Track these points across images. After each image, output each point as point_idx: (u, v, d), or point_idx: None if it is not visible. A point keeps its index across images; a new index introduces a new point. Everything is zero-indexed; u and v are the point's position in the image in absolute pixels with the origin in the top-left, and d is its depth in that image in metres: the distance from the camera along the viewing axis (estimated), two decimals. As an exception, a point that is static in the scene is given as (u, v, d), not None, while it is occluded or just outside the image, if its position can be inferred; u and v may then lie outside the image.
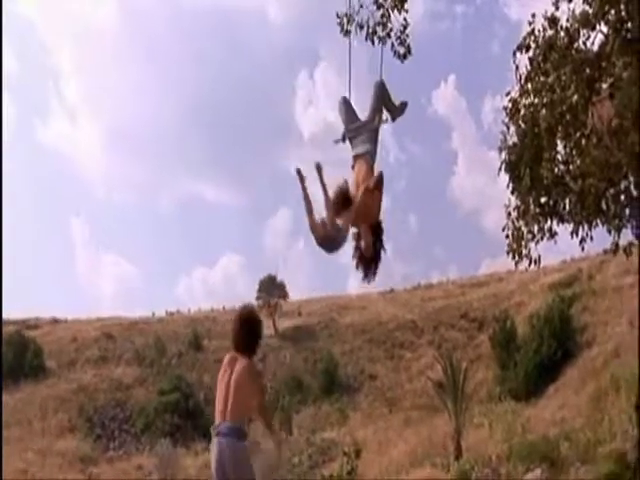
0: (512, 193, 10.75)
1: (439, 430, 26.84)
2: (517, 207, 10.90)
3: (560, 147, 10.33)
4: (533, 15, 10.24)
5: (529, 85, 10.41)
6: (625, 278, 37.05)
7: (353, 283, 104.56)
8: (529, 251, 10.84)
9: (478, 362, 39.89)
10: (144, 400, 42.42)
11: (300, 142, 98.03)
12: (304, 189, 6.08)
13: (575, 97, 9.16)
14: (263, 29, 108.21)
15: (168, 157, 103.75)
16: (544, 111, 9.82)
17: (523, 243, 10.85)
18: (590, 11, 9.21)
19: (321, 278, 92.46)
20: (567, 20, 9.77)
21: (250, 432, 6.29)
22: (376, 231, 6.12)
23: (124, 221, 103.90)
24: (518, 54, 10.47)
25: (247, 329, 6.57)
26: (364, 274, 6.26)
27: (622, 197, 9.90)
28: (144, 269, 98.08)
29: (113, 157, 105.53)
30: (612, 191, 9.89)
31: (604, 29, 9.18)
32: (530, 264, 10.95)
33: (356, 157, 6.35)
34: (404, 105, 6.80)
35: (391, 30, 9.24)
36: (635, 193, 9.77)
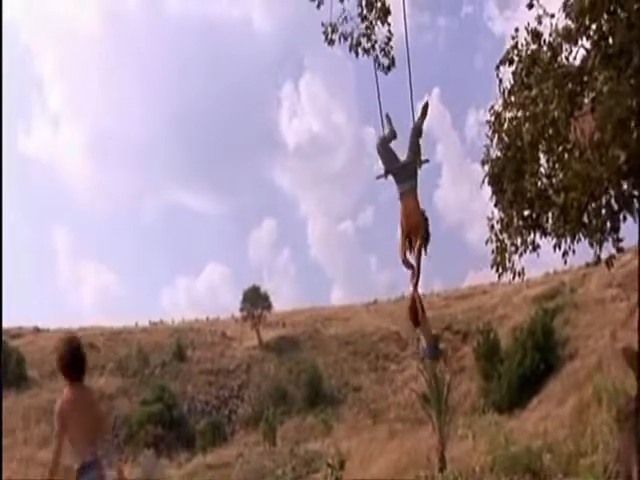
0: (495, 206, 10.82)
1: (423, 442, 26.83)
2: (500, 220, 10.96)
3: (543, 161, 10.40)
4: (516, 29, 10.33)
5: (512, 99, 10.49)
6: (607, 291, 37.30)
7: (337, 294, 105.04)
8: (512, 264, 10.90)
9: (462, 374, 39.96)
10: (127, 410, 42.27)
11: (285, 152, 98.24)
12: None
13: (557, 111, 9.21)
14: (248, 39, 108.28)
15: (152, 166, 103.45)
16: (527, 125, 9.87)
17: (507, 256, 10.90)
18: (572, 26, 9.29)
19: (305, 289, 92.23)
20: (550, 35, 9.86)
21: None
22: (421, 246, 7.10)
23: (107, 230, 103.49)
24: (501, 68, 10.56)
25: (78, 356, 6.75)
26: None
27: (603, 211, 9.97)
28: (127, 278, 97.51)
29: (96, 165, 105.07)
30: (594, 205, 9.97)
31: (586, 44, 9.26)
32: (514, 277, 11.00)
33: (402, 193, 7.19)
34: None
35: (375, 42, 9.30)
36: (616, 207, 9.85)
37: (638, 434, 12.10)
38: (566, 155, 9.89)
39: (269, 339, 50.99)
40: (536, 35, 10.05)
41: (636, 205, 9.75)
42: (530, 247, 10.85)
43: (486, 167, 10.78)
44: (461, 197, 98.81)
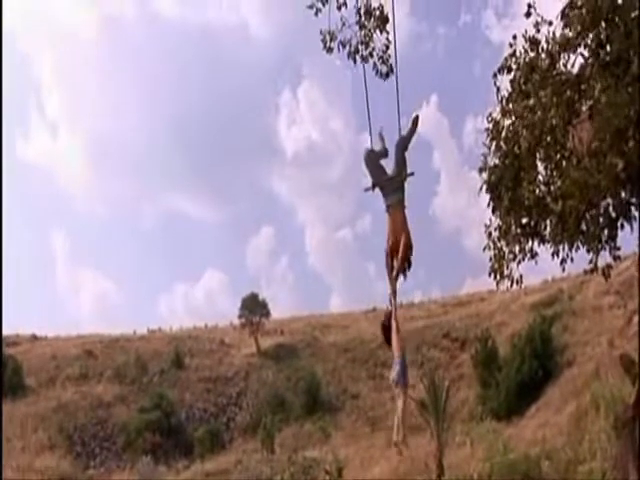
0: (493, 213, 10.81)
1: (421, 449, 26.77)
2: (498, 227, 10.95)
3: (541, 168, 10.39)
4: (514, 37, 10.32)
5: (510, 106, 10.49)
6: (605, 298, 37.35)
7: (336, 302, 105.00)
8: (510, 271, 10.88)
9: (460, 381, 39.96)
10: (125, 418, 42.25)
11: (283, 160, 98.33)
12: None
13: (555, 119, 9.23)
14: (246, 46, 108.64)
15: (150, 173, 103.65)
16: (525, 132, 9.87)
17: (504, 263, 10.90)
18: (570, 34, 9.31)
19: (303, 296, 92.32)
20: (548, 42, 9.87)
21: None
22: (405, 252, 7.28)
23: (105, 237, 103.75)
24: (499, 75, 10.57)
25: None
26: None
27: (601, 219, 9.98)
28: (125, 286, 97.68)
29: (95, 172, 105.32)
30: (592, 212, 9.97)
31: (584, 52, 9.28)
32: (512, 284, 10.99)
33: (389, 206, 7.31)
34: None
35: (373, 49, 9.33)
36: (614, 215, 9.86)
37: (636, 441, 12.11)
38: (564, 163, 9.89)
39: (267, 346, 50.96)
40: (534, 43, 10.05)
41: (634, 213, 9.75)
42: (528, 255, 10.83)
43: (484, 175, 10.76)
44: (459, 204, 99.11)
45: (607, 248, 10.16)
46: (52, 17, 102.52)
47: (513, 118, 10.43)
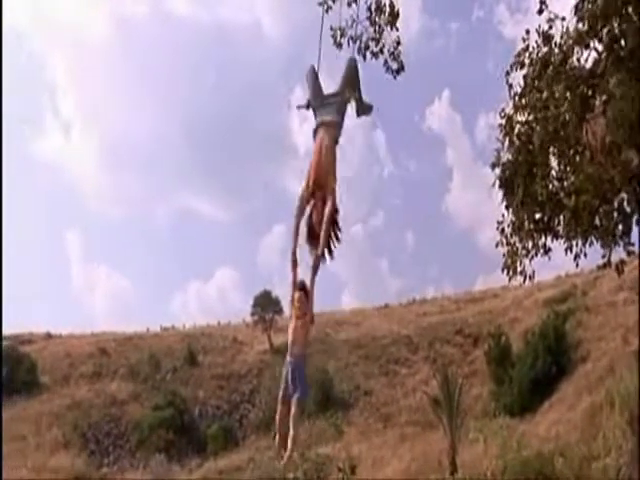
0: (506, 209, 10.77)
1: (434, 446, 26.80)
2: (511, 223, 10.90)
3: (554, 163, 10.35)
4: (527, 32, 10.27)
5: (523, 102, 10.45)
6: (619, 294, 37.19)
7: (348, 298, 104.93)
8: (524, 267, 10.84)
9: (473, 378, 39.84)
10: (138, 416, 42.32)
11: (295, 157, 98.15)
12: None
13: (569, 114, 9.19)
14: (258, 43, 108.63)
15: (163, 171, 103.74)
16: (538, 128, 9.83)
17: (517, 259, 10.86)
18: (584, 29, 9.25)
19: (316, 293, 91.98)
20: (561, 37, 9.82)
21: None
22: (333, 216, 6.15)
23: (119, 235, 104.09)
24: (512, 71, 10.53)
25: None
26: (311, 247, 6.23)
27: (615, 214, 9.92)
28: (139, 284, 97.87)
29: (108, 171, 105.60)
30: (605, 207, 9.92)
31: (598, 47, 9.23)
32: (525, 280, 10.95)
33: (320, 125, 6.36)
34: (370, 108, 7.01)
35: (384, 46, 9.30)
36: (628, 210, 9.80)
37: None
38: (577, 158, 9.86)
39: (280, 344, 50.83)
40: (547, 38, 10.00)
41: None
42: (541, 250, 10.79)
43: (497, 170, 10.72)
44: (472, 200, 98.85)
45: (621, 243, 10.09)
46: (65, 17, 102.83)
47: (526, 113, 10.39)
